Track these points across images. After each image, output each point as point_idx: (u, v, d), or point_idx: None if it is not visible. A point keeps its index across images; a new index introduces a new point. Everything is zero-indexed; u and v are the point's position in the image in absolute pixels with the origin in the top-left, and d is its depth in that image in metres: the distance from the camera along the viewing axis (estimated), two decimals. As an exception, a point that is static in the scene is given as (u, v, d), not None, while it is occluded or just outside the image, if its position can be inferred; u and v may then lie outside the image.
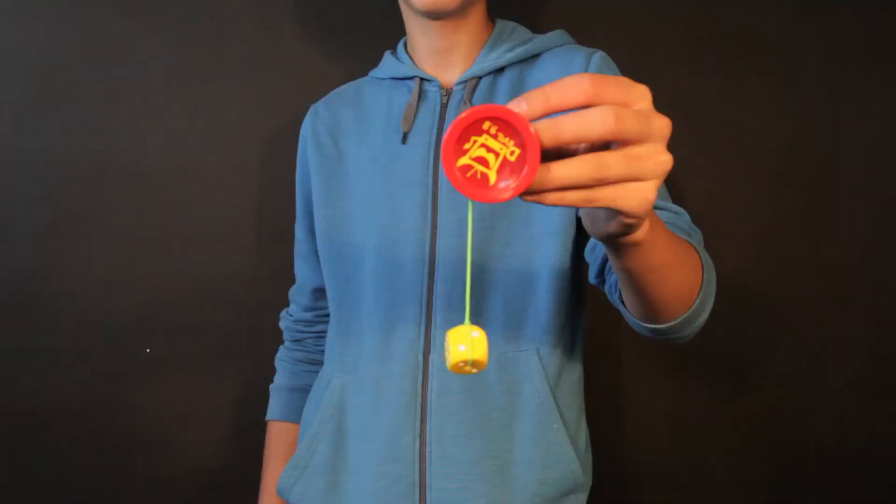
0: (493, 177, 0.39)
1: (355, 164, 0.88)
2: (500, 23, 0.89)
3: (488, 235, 0.81)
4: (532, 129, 0.38)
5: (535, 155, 0.38)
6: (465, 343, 0.40)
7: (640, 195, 0.40)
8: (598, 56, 0.84)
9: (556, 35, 0.88)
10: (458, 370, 0.40)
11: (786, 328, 1.24)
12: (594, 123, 0.37)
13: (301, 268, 1.01)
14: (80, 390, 1.16)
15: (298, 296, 1.03)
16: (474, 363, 0.40)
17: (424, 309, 0.81)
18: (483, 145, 0.39)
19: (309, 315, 1.02)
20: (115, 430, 1.18)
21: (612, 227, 0.45)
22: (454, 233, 0.81)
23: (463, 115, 0.38)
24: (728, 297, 1.23)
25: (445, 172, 0.39)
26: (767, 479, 1.27)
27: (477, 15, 0.86)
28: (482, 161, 0.39)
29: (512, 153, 0.38)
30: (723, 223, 1.21)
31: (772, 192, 1.22)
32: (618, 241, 0.48)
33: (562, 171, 0.39)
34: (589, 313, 0.94)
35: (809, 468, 1.28)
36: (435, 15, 0.82)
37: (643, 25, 1.19)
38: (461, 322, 0.79)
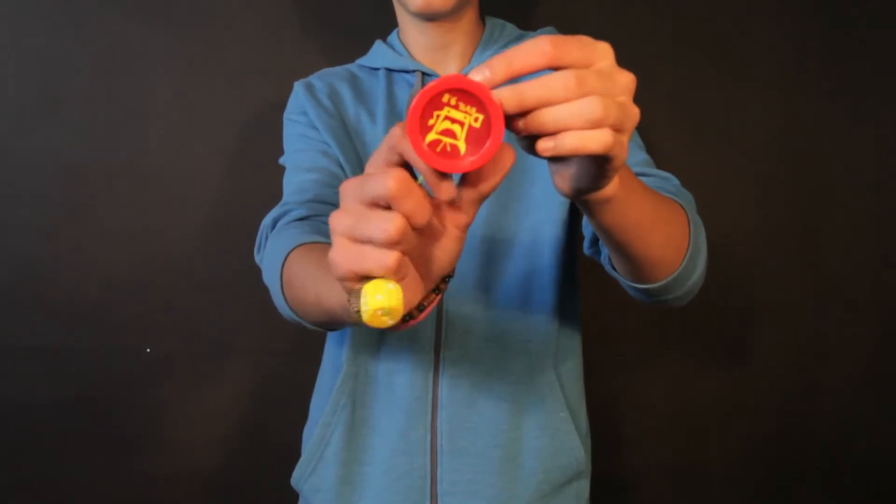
0: (462, 147, 0.40)
1: (361, 151, 0.86)
2: (490, 21, 0.90)
3: (496, 228, 0.82)
4: (493, 96, 0.38)
5: (499, 117, 0.38)
6: (382, 293, 0.40)
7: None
8: None
9: (546, 31, 0.90)
10: (375, 319, 0.40)
11: (786, 327, 1.24)
12: (556, 89, 0.38)
13: (319, 191, 0.80)
14: (80, 390, 1.16)
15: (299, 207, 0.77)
16: (390, 312, 0.40)
17: None
18: (447, 118, 0.39)
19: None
20: (115, 430, 1.18)
21: (584, 180, 0.45)
22: None
23: (423, 89, 0.38)
24: (728, 296, 1.23)
25: (415, 151, 0.39)
26: (767, 477, 1.27)
27: (471, 14, 0.87)
28: (449, 133, 0.39)
29: (476, 119, 0.39)
30: (721, 223, 1.21)
31: (771, 192, 1.22)
32: (589, 199, 0.48)
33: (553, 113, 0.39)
34: (587, 309, 0.94)
35: (809, 466, 1.27)
36: (429, 16, 0.82)
37: (632, 26, 1.18)
38: (473, 317, 0.81)
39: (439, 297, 0.48)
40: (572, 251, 0.86)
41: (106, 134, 1.14)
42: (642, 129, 0.95)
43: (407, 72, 0.87)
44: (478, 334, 0.82)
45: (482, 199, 0.42)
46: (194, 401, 1.19)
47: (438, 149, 0.39)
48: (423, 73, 0.86)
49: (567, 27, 0.92)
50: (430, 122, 0.39)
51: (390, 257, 0.39)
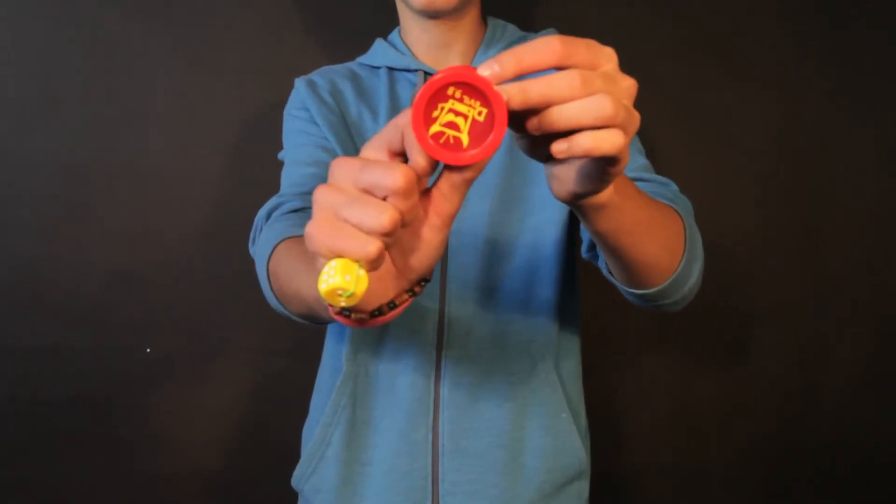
0: (465, 139, 0.40)
1: (361, 147, 0.85)
2: (492, 21, 0.90)
3: (497, 229, 0.82)
4: (496, 89, 0.38)
5: (503, 112, 0.39)
6: (351, 275, 0.39)
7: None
8: None
9: (548, 33, 0.90)
10: (332, 296, 0.40)
11: (786, 327, 1.24)
12: (562, 88, 0.38)
13: (316, 184, 0.79)
14: (80, 390, 1.16)
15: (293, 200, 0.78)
16: (351, 296, 0.39)
17: (437, 303, 0.82)
18: (451, 110, 0.39)
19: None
20: (115, 430, 1.18)
21: (585, 184, 0.45)
22: (466, 223, 0.81)
23: (429, 81, 0.39)
24: (728, 296, 1.23)
25: (418, 142, 0.39)
26: (767, 477, 1.27)
27: (474, 13, 0.87)
28: (453, 126, 0.40)
29: (479, 113, 0.39)
30: (721, 224, 1.21)
31: (771, 192, 1.22)
32: (584, 204, 0.49)
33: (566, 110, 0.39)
34: (587, 309, 0.94)
35: (809, 466, 1.27)
36: (432, 14, 0.82)
37: (632, 26, 1.18)
38: (475, 318, 0.81)
39: (411, 299, 0.47)
40: (572, 251, 0.87)
41: (106, 134, 1.14)
42: (642, 129, 0.94)
43: (409, 71, 0.87)
44: (479, 335, 0.82)
45: (467, 184, 0.42)
46: (194, 401, 1.19)
47: (441, 140, 0.40)
48: (426, 73, 0.86)
49: (568, 27, 0.92)
50: (435, 113, 0.39)
51: (373, 245, 0.38)
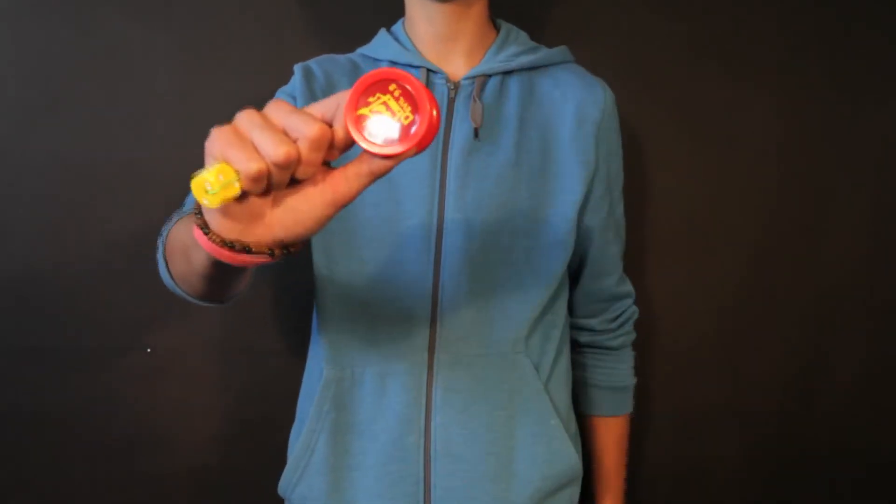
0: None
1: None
2: (505, 25, 0.89)
3: (495, 238, 0.81)
4: (432, 109, 0.42)
5: (424, 128, 0.42)
6: (226, 178, 0.42)
7: None
8: (612, 97, 0.89)
9: (561, 51, 0.90)
10: (199, 189, 0.42)
11: (786, 328, 1.24)
12: None
13: None
14: (80, 390, 1.16)
15: None
16: (214, 195, 0.42)
17: (429, 306, 0.81)
18: (384, 104, 0.42)
19: None
20: (115, 430, 1.18)
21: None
22: (461, 230, 0.81)
23: (377, 71, 0.42)
24: (728, 298, 1.23)
25: (344, 115, 0.43)
26: (765, 479, 1.27)
27: (479, 8, 0.85)
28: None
29: (406, 118, 0.42)
30: (721, 223, 1.21)
31: (771, 193, 1.22)
32: None
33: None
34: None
35: (809, 466, 1.27)
36: None
37: (633, 27, 1.18)
38: (468, 324, 0.81)
39: (267, 259, 0.48)
40: (566, 260, 0.87)
41: (106, 134, 1.14)
42: (643, 129, 0.94)
43: (412, 67, 0.86)
44: (472, 341, 0.81)
45: (371, 178, 0.45)
46: (194, 400, 1.19)
47: (363, 123, 0.43)
48: (429, 70, 0.84)
49: (567, 27, 0.93)
50: (371, 99, 0.42)
51: (256, 164, 0.42)
